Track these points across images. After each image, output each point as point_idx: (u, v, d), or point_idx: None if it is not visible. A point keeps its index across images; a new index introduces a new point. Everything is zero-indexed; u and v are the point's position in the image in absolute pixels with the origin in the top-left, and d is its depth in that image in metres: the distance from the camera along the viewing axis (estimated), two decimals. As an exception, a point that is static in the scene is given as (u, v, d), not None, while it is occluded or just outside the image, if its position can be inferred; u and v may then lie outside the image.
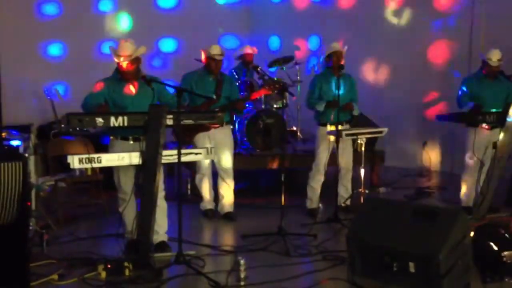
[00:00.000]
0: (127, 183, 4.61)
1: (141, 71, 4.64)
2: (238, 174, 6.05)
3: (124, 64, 4.53)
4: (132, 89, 4.62)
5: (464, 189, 6.00)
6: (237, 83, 7.08)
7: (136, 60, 4.57)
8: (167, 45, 9.38)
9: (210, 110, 5.36)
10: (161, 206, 4.66)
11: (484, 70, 5.83)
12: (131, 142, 4.55)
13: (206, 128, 5.54)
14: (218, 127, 5.60)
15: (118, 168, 4.59)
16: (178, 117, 4.32)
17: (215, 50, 5.62)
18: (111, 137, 4.68)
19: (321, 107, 5.80)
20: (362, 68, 8.91)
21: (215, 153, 5.54)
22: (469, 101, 5.81)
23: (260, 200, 6.56)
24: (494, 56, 5.75)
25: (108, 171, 4.91)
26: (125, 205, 4.57)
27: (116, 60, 4.56)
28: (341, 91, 5.59)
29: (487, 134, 5.77)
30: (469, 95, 5.84)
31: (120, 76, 4.63)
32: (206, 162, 5.73)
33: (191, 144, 5.57)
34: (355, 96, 5.96)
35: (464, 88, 5.90)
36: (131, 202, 4.56)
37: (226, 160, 5.78)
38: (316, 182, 5.96)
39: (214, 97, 5.61)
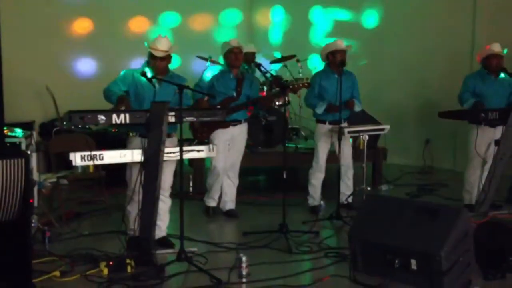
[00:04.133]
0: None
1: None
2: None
3: (161, 56, 4.57)
4: (156, 84, 4.63)
5: (466, 186, 5.99)
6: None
7: (169, 57, 4.64)
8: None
9: (212, 107, 5.36)
10: (167, 202, 4.70)
11: (488, 65, 5.80)
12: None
13: (224, 125, 5.53)
14: (236, 124, 5.61)
15: (131, 164, 4.57)
16: (180, 114, 4.32)
17: (233, 42, 5.61)
18: (130, 134, 4.68)
19: (320, 110, 5.78)
20: (364, 65, 8.90)
21: (227, 149, 5.56)
22: (471, 98, 5.80)
23: (262, 197, 6.56)
24: (496, 47, 5.76)
25: (111, 168, 4.91)
26: (131, 202, 4.54)
27: (154, 53, 4.58)
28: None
29: (489, 131, 5.76)
30: (472, 93, 5.84)
31: (149, 70, 4.63)
32: (221, 161, 5.63)
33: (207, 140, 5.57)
34: (357, 93, 5.94)
35: (467, 86, 5.90)
36: (135, 199, 4.55)
37: (236, 157, 5.78)
38: (317, 179, 5.96)
39: (235, 95, 5.61)
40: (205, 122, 4.92)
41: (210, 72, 5.69)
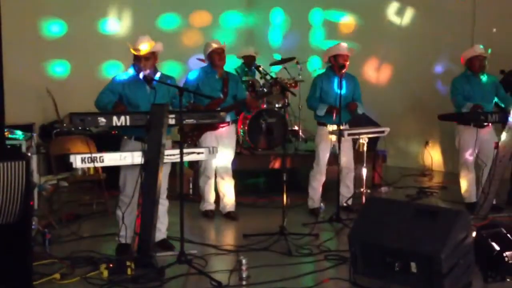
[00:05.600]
0: (131, 186, 4.54)
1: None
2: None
3: (143, 57, 4.53)
4: (147, 87, 4.62)
5: (464, 185, 6.05)
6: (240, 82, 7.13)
7: (153, 55, 4.60)
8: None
9: (212, 109, 5.36)
10: (164, 204, 4.69)
11: (472, 66, 5.89)
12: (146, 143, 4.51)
13: (213, 128, 5.54)
14: (225, 126, 5.61)
15: (126, 169, 4.57)
16: (180, 117, 4.32)
17: (215, 42, 5.65)
18: (125, 137, 4.65)
19: (321, 112, 5.79)
20: (364, 68, 8.92)
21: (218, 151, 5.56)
22: (464, 100, 5.84)
23: (261, 199, 6.56)
24: (478, 48, 5.88)
25: (111, 170, 4.91)
26: (125, 207, 4.54)
27: (137, 53, 4.54)
28: (343, 91, 5.60)
29: (478, 131, 5.79)
30: (462, 95, 5.88)
31: (135, 73, 4.61)
32: (212, 163, 5.70)
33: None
34: (359, 96, 5.94)
35: (457, 88, 5.95)
36: (131, 205, 4.55)
37: (228, 159, 5.78)
38: (317, 181, 5.97)
39: (221, 96, 5.61)
40: (195, 125, 4.93)
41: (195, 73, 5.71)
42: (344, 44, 5.86)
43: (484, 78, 5.94)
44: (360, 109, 5.89)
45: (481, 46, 5.91)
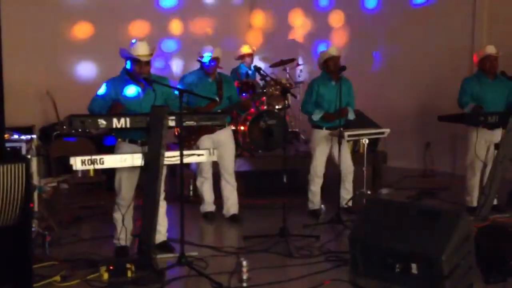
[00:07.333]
0: (127, 189, 4.58)
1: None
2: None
3: (143, 62, 4.49)
4: (139, 90, 4.61)
5: (468, 189, 6.00)
6: (240, 84, 7.13)
7: (150, 62, 4.57)
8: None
9: (213, 111, 5.35)
10: (162, 206, 4.68)
11: (483, 67, 5.84)
12: (139, 146, 4.51)
13: (210, 130, 5.54)
14: (221, 128, 5.61)
15: (121, 172, 4.58)
16: (180, 119, 4.32)
17: (205, 50, 5.58)
18: (119, 139, 4.64)
19: (316, 117, 5.79)
20: (364, 68, 8.91)
21: (218, 154, 5.55)
22: (470, 101, 5.82)
23: (262, 201, 6.56)
24: (491, 49, 5.82)
25: (111, 173, 4.91)
26: (124, 210, 4.54)
27: (139, 59, 4.47)
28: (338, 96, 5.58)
29: (488, 134, 5.77)
30: (471, 96, 5.86)
31: (128, 77, 4.59)
32: (208, 164, 5.71)
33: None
34: (352, 100, 5.94)
35: (465, 89, 5.92)
36: (129, 208, 4.55)
37: (229, 161, 5.78)
38: (315, 185, 5.95)
39: (217, 99, 5.60)
40: (192, 128, 4.94)
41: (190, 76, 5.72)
42: (333, 47, 5.92)
43: (498, 80, 5.90)
44: (351, 115, 5.88)
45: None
